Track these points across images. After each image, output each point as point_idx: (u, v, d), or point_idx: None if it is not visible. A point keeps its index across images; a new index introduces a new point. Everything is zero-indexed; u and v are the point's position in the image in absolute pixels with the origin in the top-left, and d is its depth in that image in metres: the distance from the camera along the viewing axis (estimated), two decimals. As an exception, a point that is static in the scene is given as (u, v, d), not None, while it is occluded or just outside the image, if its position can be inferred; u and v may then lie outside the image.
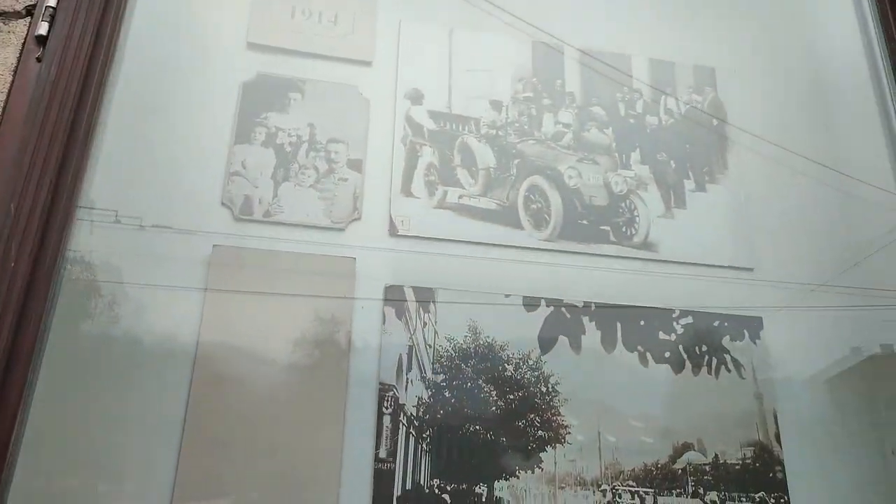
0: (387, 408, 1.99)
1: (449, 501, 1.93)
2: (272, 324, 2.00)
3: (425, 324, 2.13)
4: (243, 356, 1.95)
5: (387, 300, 2.12)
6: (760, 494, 2.13)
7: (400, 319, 2.11)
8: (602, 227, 2.40)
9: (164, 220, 2.08)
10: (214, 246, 2.05)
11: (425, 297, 2.15)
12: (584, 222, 2.40)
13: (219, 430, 1.85)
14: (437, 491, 1.93)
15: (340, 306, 2.07)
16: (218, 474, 1.81)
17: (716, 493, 2.11)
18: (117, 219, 2.04)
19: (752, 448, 2.19)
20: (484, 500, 1.95)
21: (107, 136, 2.08)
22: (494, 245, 2.30)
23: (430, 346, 2.10)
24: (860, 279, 2.47)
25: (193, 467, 1.78)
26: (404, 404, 2.01)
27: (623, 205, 2.45)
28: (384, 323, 2.09)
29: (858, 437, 2.25)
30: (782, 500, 2.13)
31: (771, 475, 2.16)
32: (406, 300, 2.13)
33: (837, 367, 2.37)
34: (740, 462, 2.17)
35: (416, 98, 2.43)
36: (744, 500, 2.12)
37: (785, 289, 2.43)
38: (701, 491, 2.11)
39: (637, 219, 2.44)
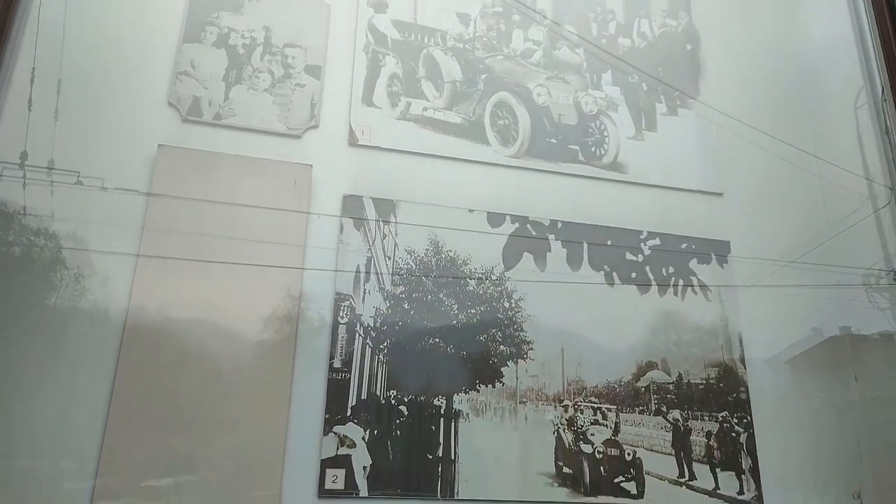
0: (342, 318, 1.90)
1: (406, 412, 1.86)
2: (221, 229, 1.89)
3: (385, 236, 2.04)
4: (187, 265, 1.84)
5: (345, 211, 2.02)
6: (723, 414, 2.11)
7: (358, 230, 2.01)
8: (571, 147, 2.33)
9: (108, 119, 1.94)
10: (160, 146, 1.92)
11: (385, 209, 2.06)
12: (553, 141, 2.31)
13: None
14: (393, 402, 1.86)
15: (295, 214, 1.96)
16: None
17: (678, 411, 2.08)
18: (56, 116, 1.90)
19: (717, 369, 2.16)
20: (443, 412, 1.89)
21: (50, 25, 1.93)
22: (459, 160, 2.20)
23: (389, 258, 2.01)
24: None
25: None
26: (361, 315, 1.92)
27: (593, 125, 2.38)
28: (341, 233, 1.99)
29: (822, 359, 2.24)
30: (745, 420, 2.11)
31: (734, 395, 2.14)
32: (365, 211, 2.03)
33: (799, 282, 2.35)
34: (704, 382, 2.14)
35: (380, 6, 2.31)
36: (706, 418, 2.09)
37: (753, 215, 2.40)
38: (664, 409, 2.07)
39: (607, 139, 2.37)
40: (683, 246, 2.29)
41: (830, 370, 2.23)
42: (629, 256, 2.23)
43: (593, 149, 2.35)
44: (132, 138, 1.94)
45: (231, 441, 1.71)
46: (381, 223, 2.04)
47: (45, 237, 1.79)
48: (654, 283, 2.21)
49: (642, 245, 2.25)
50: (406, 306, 1.97)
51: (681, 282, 2.24)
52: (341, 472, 1.75)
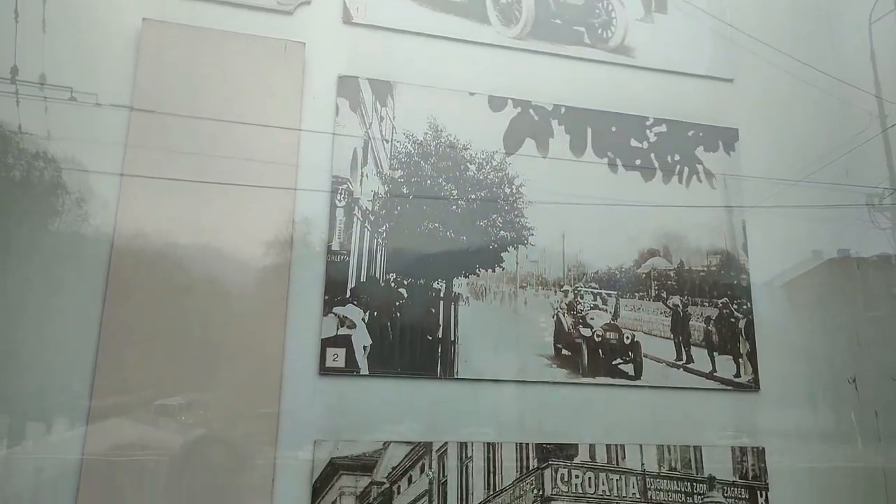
0: (340, 201, 1.87)
1: (405, 295, 1.85)
2: (210, 109, 1.82)
3: (382, 118, 1.97)
4: (179, 127, 1.78)
5: (340, 92, 1.94)
6: (723, 300, 2.11)
7: (354, 112, 1.94)
8: (576, 28, 2.22)
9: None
10: (144, 19, 1.83)
11: (382, 90, 1.98)
12: (557, 21, 2.20)
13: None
14: (393, 284, 1.85)
15: (288, 94, 1.89)
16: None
17: (679, 297, 2.08)
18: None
19: (719, 256, 2.14)
20: (442, 295, 1.88)
21: None
22: (459, 40, 2.10)
23: (387, 142, 1.96)
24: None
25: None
26: (359, 198, 1.89)
27: (600, 5, 2.26)
28: (337, 115, 1.92)
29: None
30: (745, 307, 2.11)
31: (735, 282, 2.13)
32: (361, 93, 1.96)
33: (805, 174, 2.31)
34: (705, 269, 2.13)
35: None
36: (706, 304, 2.10)
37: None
38: (664, 295, 2.07)
39: (614, 21, 2.26)
40: (690, 133, 2.22)
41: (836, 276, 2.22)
42: (634, 143, 2.17)
43: (600, 31, 2.24)
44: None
45: (232, 324, 1.71)
46: (379, 105, 1.97)
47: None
48: (658, 170, 2.16)
49: (648, 131, 2.19)
50: (405, 191, 1.93)
51: (686, 169, 2.19)
52: (342, 352, 1.76)
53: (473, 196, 1.98)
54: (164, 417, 1.61)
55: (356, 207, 1.87)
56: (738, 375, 2.05)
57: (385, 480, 1.73)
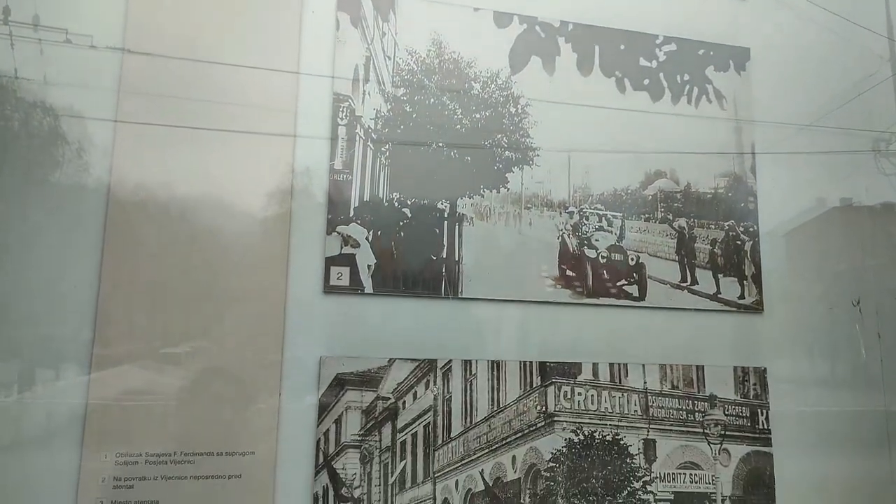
0: (342, 119, 1.83)
1: (409, 215, 1.84)
2: (208, 20, 1.77)
3: (384, 34, 1.91)
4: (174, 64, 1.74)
5: (340, 6, 1.88)
6: (730, 223, 2.09)
7: (356, 28, 1.88)
8: (585, -59, 2.13)
9: None
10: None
11: (384, 4, 1.92)
12: (565, -66, 2.12)
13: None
14: (396, 204, 1.83)
15: (287, 12, 1.83)
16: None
17: (685, 219, 2.06)
18: None
19: (726, 178, 2.11)
20: (446, 215, 1.87)
21: None
22: (463, -47, 2.03)
23: (389, 59, 1.91)
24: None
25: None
26: (361, 116, 1.85)
27: (610, -83, 2.16)
28: (338, 30, 1.87)
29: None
30: (751, 229, 2.10)
31: (743, 205, 2.11)
32: (362, 6, 1.90)
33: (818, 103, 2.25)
34: (712, 191, 2.10)
35: None
36: (712, 227, 2.08)
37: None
38: (670, 217, 2.05)
39: (624, -67, 2.17)
40: (700, 52, 2.16)
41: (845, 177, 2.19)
42: (643, 62, 2.11)
43: (609, -56, 2.15)
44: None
45: (234, 244, 1.70)
46: (380, 20, 1.91)
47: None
48: (667, 90, 2.11)
49: (657, 50, 2.13)
50: (408, 109, 1.89)
51: (695, 90, 2.14)
52: (346, 270, 1.76)
53: (478, 115, 1.94)
54: (169, 348, 1.62)
55: (358, 126, 1.84)
56: (742, 297, 2.05)
57: (390, 396, 1.75)
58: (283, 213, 1.73)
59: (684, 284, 2.02)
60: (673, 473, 1.90)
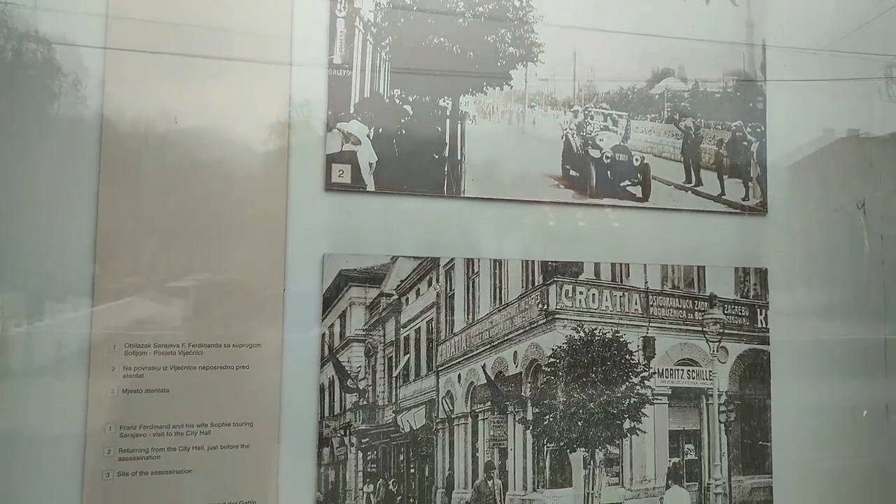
0: (340, 11, 1.77)
1: (411, 112, 1.80)
2: None
3: (383, -79, 1.83)
4: None
5: None
6: (737, 123, 2.05)
7: (353, -86, 1.80)
8: None
9: None
10: None
11: None
12: None
13: None
14: (397, 101, 1.80)
15: None
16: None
17: (692, 119, 2.02)
18: None
19: (735, 77, 2.06)
20: (448, 113, 1.84)
21: None
22: None
23: (388, -52, 1.83)
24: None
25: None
26: (360, 8, 1.79)
27: None
28: (334, -84, 1.78)
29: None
30: (759, 130, 2.06)
31: (751, 105, 2.07)
32: None
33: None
34: (721, 91, 2.05)
35: None
36: (719, 127, 2.05)
37: None
38: (676, 117, 2.02)
39: None
40: (714, -57, 2.07)
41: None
42: (653, -46, 2.02)
43: None
44: None
45: (235, 144, 1.68)
46: None
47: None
48: (677, -16, 2.03)
49: (668, -59, 2.03)
50: (408, 1, 1.82)
51: (707, -16, 2.06)
52: (347, 167, 1.74)
53: (481, 9, 1.88)
54: (169, 255, 1.62)
55: (357, 18, 1.78)
56: (746, 199, 2.03)
57: (394, 292, 1.77)
58: (281, 109, 1.70)
59: (689, 185, 2.00)
60: (671, 369, 1.94)
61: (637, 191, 1.96)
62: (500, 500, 1.79)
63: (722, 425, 1.96)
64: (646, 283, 1.94)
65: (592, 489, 1.86)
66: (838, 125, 2.17)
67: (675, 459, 1.93)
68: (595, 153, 1.94)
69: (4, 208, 1.56)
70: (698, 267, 1.98)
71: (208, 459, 1.58)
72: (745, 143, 2.05)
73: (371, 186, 1.76)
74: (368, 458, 1.72)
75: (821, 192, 2.10)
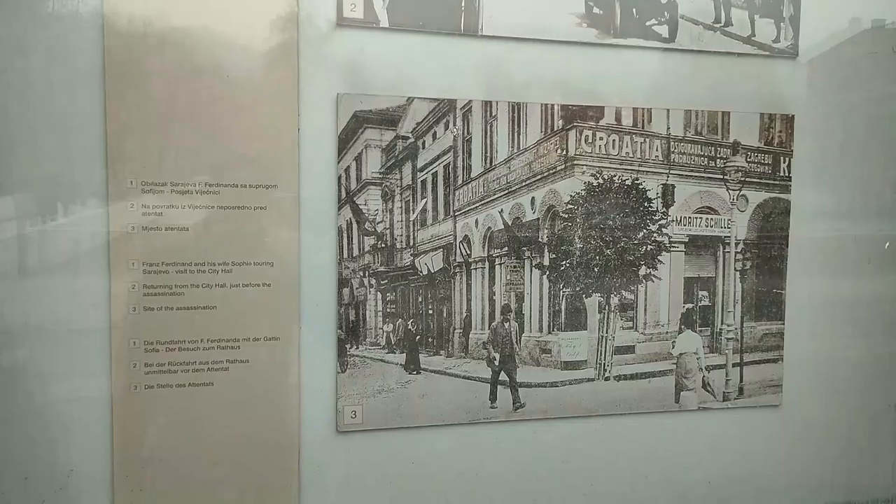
0: None
1: (425, -60, 1.69)
2: None
3: None
4: None
5: None
6: (773, -43, 1.92)
7: None
8: None
9: None
10: None
11: None
12: None
13: None
14: None
15: None
16: None
17: (725, -48, 1.89)
18: None
19: None
20: None
21: None
22: None
23: None
24: None
25: None
26: None
27: None
28: None
29: None
30: (795, -35, 1.93)
31: (789, -64, 1.92)
32: None
33: None
34: (758, -80, 1.90)
35: None
36: (754, -39, 1.91)
37: None
38: (709, -51, 1.88)
39: None
40: None
41: None
42: None
43: None
44: None
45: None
46: None
47: None
48: None
49: None
50: None
51: None
52: (359, 1, 1.65)
53: None
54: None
55: None
56: (777, 40, 1.93)
57: (410, 135, 1.73)
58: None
59: (718, 25, 1.90)
60: (689, 217, 1.93)
61: (663, 30, 1.86)
62: (517, 342, 1.84)
63: (738, 273, 1.97)
64: (668, 128, 1.89)
65: (606, 332, 1.90)
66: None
67: (689, 305, 1.95)
68: (620, -11, 1.83)
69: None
70: (723, 112, 1.91)
71: (231, 296, 1.61)
72: (780, -23, 1.92)
73: (385, 22, 1.67)
74: (387, 298, 1.75)
75: (855, 34, 2.00)
